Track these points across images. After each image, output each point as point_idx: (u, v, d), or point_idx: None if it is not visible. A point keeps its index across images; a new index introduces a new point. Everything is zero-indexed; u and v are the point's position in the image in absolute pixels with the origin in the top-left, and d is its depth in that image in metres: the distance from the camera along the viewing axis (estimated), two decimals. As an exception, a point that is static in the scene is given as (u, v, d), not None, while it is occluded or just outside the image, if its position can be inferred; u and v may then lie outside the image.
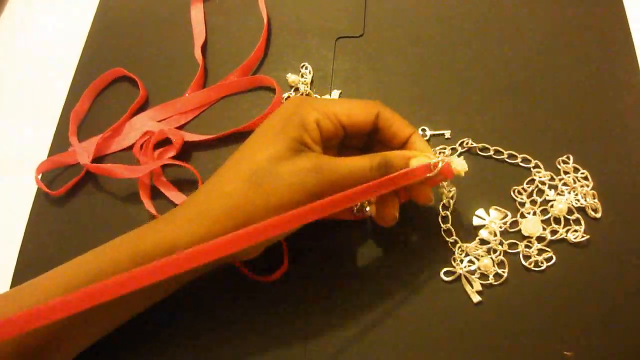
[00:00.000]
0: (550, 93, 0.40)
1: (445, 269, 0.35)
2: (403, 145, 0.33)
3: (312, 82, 0.43)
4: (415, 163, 0.31)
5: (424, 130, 0.40)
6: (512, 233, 0.36)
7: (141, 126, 0.43)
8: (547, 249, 0.35)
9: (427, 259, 0.35)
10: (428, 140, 0.40)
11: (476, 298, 0.33)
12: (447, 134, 0.40)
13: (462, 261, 0.35)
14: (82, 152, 0.42)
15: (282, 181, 0.29)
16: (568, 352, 0.32)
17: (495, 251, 0.35)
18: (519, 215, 0.36)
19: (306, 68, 0.44)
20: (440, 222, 0.36)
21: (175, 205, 0.39)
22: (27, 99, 0.48)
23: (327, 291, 0.35)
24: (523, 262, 0.34)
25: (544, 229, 0.35)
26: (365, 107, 0.32)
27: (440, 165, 0.30)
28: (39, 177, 0.42)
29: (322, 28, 0.46)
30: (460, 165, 0.32)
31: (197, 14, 0.48)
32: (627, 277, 0.33)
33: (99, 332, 0.32)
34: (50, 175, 0.43)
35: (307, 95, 0.43)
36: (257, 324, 0.35)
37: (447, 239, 0.36)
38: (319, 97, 0.42)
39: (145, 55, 0.47)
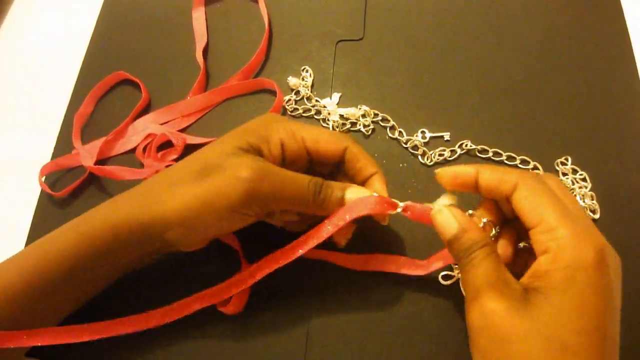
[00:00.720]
0: (548, 95, 0.41)
1: (443, 273, 0.35)
2: (364, 182, 0.33)
3: (312, 85, 0.44)
4: (349, 195, 0.31)
5: (423, 132, 0.40)
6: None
7: (144, 129, 0.43)
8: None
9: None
10: (427, 143, 0.40)
11: None
12: (447, 135, 0.40)
13: None
14: (86, 155, 0.42)
15: (223, 173, 0.30)
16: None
17: None
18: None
19: (307, 71, 0.44)
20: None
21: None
22: (30, 102, 0.48)
23: (327, 293, 0.35)
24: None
25: None
26: (335, 139, 0.33)
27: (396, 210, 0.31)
28: (43, 179, 0.42)
29: (323, 31, 0.46)
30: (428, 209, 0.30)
31: (198, 17, 0.48)
32: (624, 278, 0.34)
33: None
34: (53, 177, 0.43)
35: (308, 98, 0.43)
36: (258, 320, 0.35)
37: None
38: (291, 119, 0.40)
39: (147, 58, 0.47)
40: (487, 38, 0.44)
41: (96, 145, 0.43)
